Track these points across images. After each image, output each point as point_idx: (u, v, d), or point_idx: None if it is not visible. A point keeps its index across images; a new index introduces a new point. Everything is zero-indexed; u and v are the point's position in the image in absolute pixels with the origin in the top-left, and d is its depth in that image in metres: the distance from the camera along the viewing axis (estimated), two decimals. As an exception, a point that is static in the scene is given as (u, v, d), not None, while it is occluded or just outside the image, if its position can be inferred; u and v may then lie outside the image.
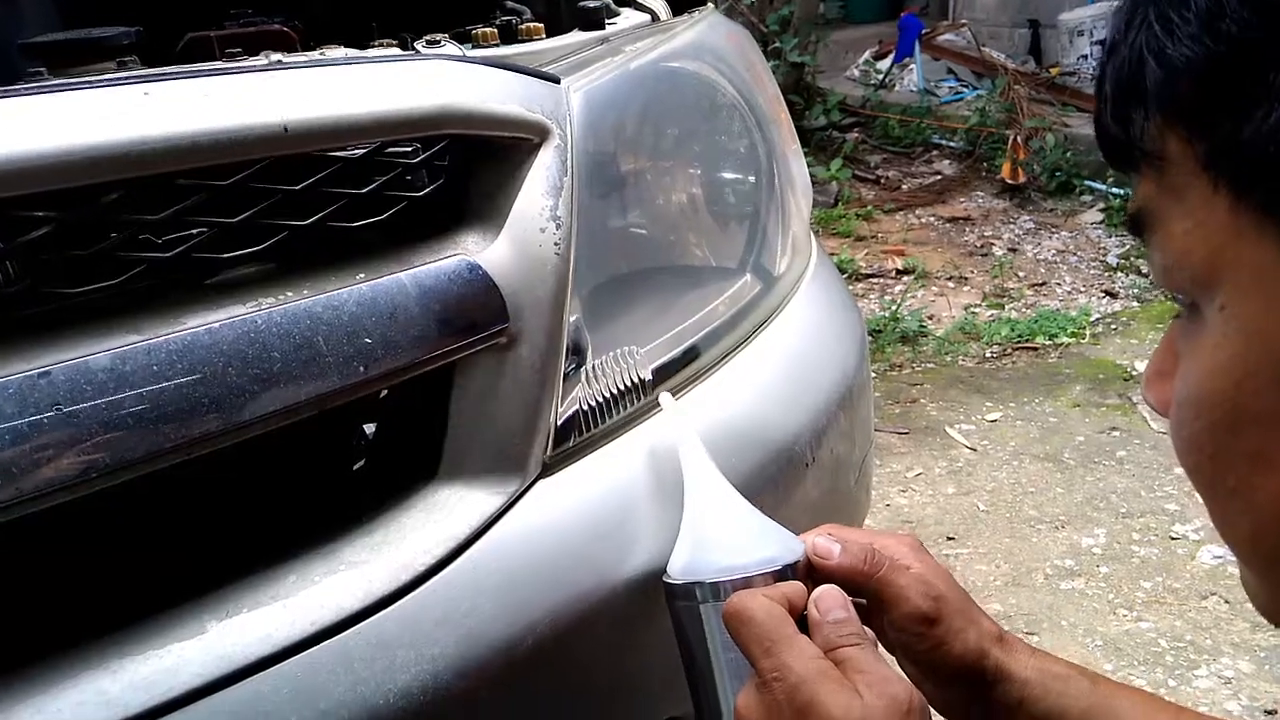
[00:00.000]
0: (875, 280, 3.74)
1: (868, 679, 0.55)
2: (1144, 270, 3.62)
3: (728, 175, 1.07)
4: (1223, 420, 0.41)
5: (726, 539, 0.67)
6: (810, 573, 0.66)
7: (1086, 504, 2.27)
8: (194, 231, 0.67)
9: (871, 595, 0.65)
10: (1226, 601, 1.92)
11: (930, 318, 3.34)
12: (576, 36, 1.03)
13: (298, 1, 1.35)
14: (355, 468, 0.80)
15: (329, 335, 0.67)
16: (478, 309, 0.74)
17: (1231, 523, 0.44)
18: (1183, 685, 1.72)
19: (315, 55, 0.82)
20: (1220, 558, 2.05)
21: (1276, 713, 1.64)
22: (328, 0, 1.40)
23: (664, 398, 0.81)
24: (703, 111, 1.05)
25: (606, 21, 1.07)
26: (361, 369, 0.68)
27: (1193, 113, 0.39)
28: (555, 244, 0.79)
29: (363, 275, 0.71)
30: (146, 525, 0.71)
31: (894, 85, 5.91)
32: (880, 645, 0.66)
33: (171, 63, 1.10)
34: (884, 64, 6.03)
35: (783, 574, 0.64)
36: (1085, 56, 5.45)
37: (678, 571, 0.67)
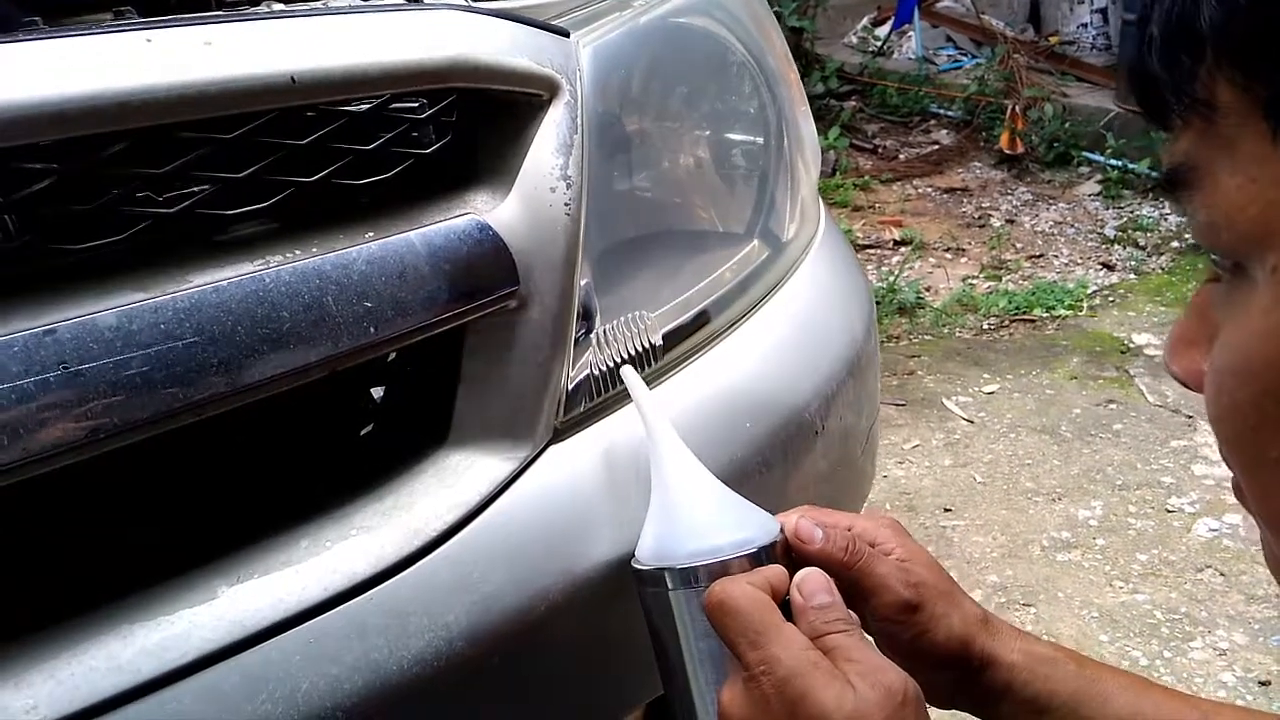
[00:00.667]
0: (873, 251, 3.73)
1: (860, 668, 0.53)
2: (1141, 243, 3.61)
3: (737, 136, 1.05)
4: (1273, 388, 0.40)
5: (697, 520, 0.62)
6: (789, 554, 0.63)
7: (1083, 476, 2.28)
8: (198, 188, 0.66)
9: (852, 584, 0.63)
10: (1222, 574, 1.93)
11: (928, 289, 3.33)
12: (584, -9, 1.00)
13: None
14: (364, 432, 0.79)
15: (338, 295, 0.65)
16: (488, 270, 0.73)
17: (1272, 495, 0.43)
18: (1178, 657, 1.74)
19: (319, 4, 0.79)
20: (1216, 530, 2.06)
21: (1270, 684, 1.66)
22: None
23: (626, 371, 0.76)
24: (712, 70, 1.03)
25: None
26: (371, 330, 0.66)
27: (1253, 55, 0.36)
28: (566, 204, 0.77)
29: (371, 234, 0.69)
30: (156, 490, 0.70)
31: (892, 52, 5.86)
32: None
33: (169, 14, 1.07)
34: (882, 30, 5.97)
35: (758, 556, 0.60)
36: (1085, 25, 5.40)
37: (646, 556, 0.63)
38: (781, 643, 0.53)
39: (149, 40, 0.60)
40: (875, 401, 1.13)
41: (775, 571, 0.59)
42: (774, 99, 1.06)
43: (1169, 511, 2.13)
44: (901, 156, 4.84)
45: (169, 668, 0.58)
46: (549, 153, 0.76)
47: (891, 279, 3.33)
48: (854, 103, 5.40)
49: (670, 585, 0.60)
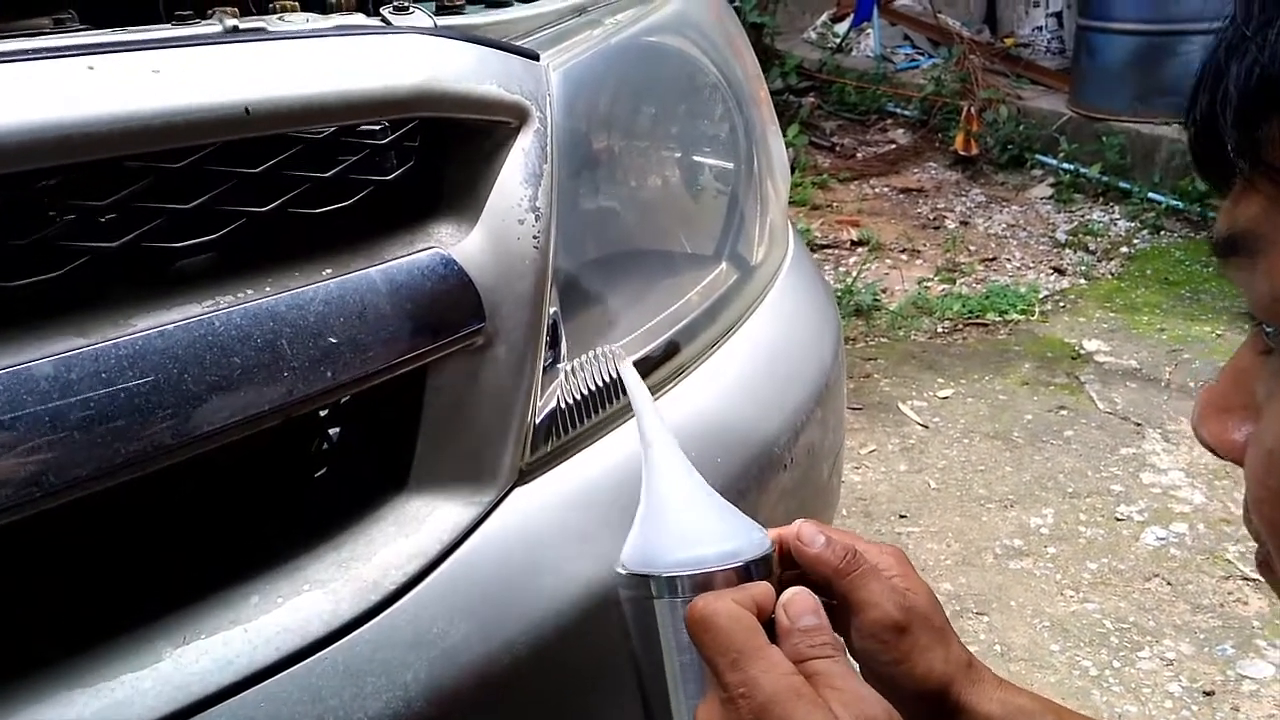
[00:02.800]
0: (830, 251, 3.74)
1: (843, 697, 0.50)
2: (1091, 248, 3.67)
3: (707, 158, 1.03)
4: None
5: (686, 528, 0.59)
6: (782, 562, 0.62)
7: (1035, 483, 2.31)
8: (145, 220, 0.62)
9: (844, 595, 0.61)
10: (1169, 584, 1.97)
11: (884, 291, 3.34)
12: (552, 4, 0.96)
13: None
14: (318, 475, 0.75)
15: (293, 338, 0.61)
16: (452, 307, 0.70)
17: None
18: (1127, 667, 1.77)
19: (274, 20, 0.75)
20: (1163, 539, 2.10)
21: (1214, 694, 1.69)
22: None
23: (624, 365, 0.71)
24: (683, 91, 1.00)
25: (583, -10, 1.02)
26: (329, 374, 0.63)
27: None
28: (534, 237, 0.74)
29: (329, 270, 0.65)
30: (96, 541, 0.66)
31: (851, 50, 5.88)
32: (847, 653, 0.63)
33: (112, 14, 1.02)
34: (841, 27, 5.99)
35: (746, 570, 0.57)
36: (1040, 28, 5.47)
37: (631, 561, 0.59)
38: (763, 665, 0.51)
39: (91, 68, 0.56)
40: (842, 423, 1.12)
41: (762, 590, 0.56)
42: (745, 120, 1.04)
43: (1118, 520, 2.17)
44: (859, 155, 4.86)
45: (109, 740, 0.55)
46: (517, 183, 0.73)
47: (849, 280, 3.34)
48: (812, 99, 5.41)
49: (654, 593, 0.57)
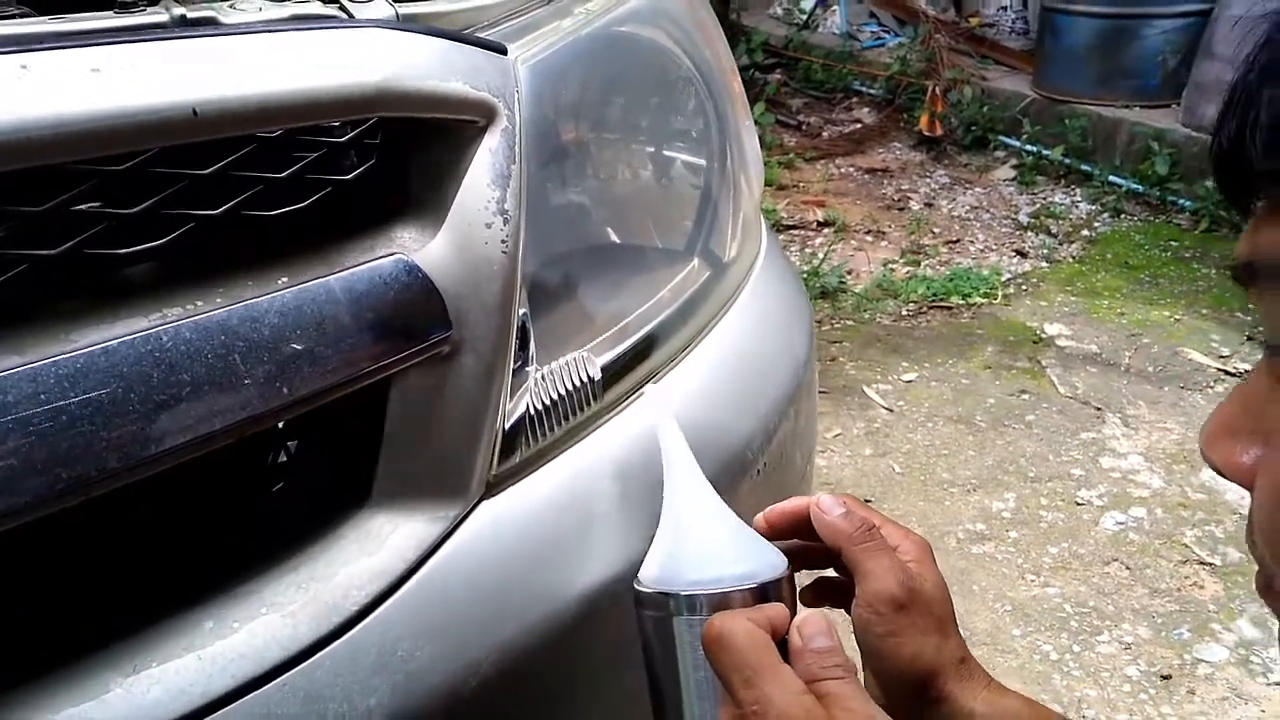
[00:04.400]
0: (796, 232, 3.73)
1: (854, 718, 0.52)
2: (1053, 230, 3.70)
3: (679, 154, 1.00)
4: None
5: (705, 548, 0.61)
6: (801, 532, 0.63)
7: (997, 468, 2.33)
8: (86, 225, 0.58)
9: (853, 563, 0.63)
10: (1128, 568, 2.00)
11: (849, 273, 3.35)
12: (520, -8, 0.93)
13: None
14: (274, 490, 0.72)
15: (247, 352, 0.58)
16: (416, 316, 0.67)
17: None
18: (1086, 651, 1.79)
19: (224, 7, 0.71)
20: (1122, 524, 2.13)
21: (1171, 678, 1.72)
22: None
23: (649, 388, 0.76)
24: (656, 83, 0.98)
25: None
26: (285, 390, 0.60)
27: None
28: (502, 241, 0.71)
29: (285, 279, 0.62)
30: (37, 566, 0.62)
31: (817, 27, 5.85)
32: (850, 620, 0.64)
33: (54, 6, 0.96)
34: (807, 3, 5.95)
35: (763, 592, 0.59)
36: (1005, 8, 5.48)
37: (650, 579, 0.61)
38: (776, 684, 0.52)
39: (24, 66, 0.52)
40: (814, 425, 1.11)
41: (777, 610, 0.58)
42: (718, 113, 1.01)
43: (1078, 504, 2.20)
44: (825, 134, 4.85)
45: (53, 781, 0.52)
46: (485, 184, 0.70)
47: (816, 263, 3.33)
48: (779, 76, 5.39)
49: (673, 610, 0.59)
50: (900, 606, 0.61)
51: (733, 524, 0.64)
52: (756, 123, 4.47)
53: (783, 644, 0.56)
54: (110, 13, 0.69)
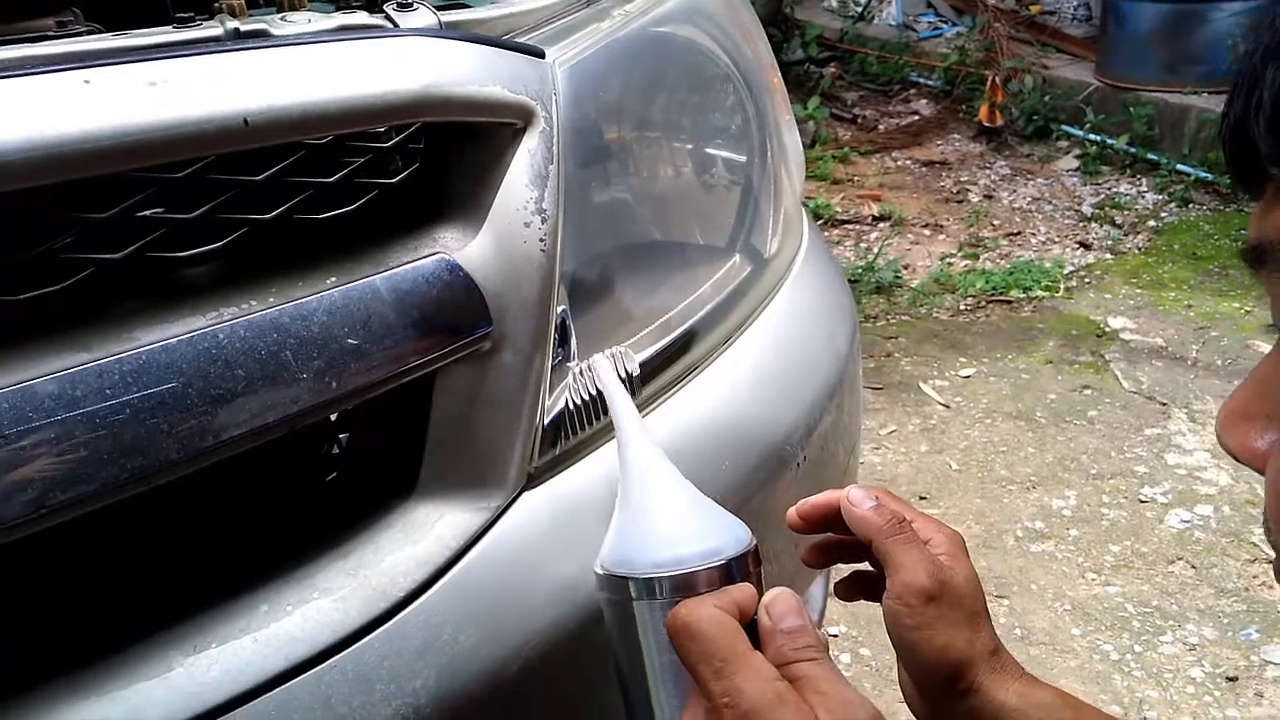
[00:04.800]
0: (851, 226, 3.70)
1: (828, 702, 0.50)
2: (1118, 221, 3.61)
3: (719, 151, 1.01)
4: None
5: (665, 526, 0.58)
6: (831, 526, 0.62)
7: (1057, 464, 2.29)
8: (147, 230, 0.61)
9: (883, 555, 0.62)
10: (1193, 567, 1.95)
11: (906, 267, 3.31)
12: (560, -4, 0.95)
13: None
14: (326, 480, 0.76)
15: (298, 349, 0.61)
16: (458, 313, 0.69)
17: None
18: (1148, 651, 1.75)
19: (276, 20, 0.74)
20: (1187, 522, 2.07)
21: (1238, 679, 1.68)
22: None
23: (597, 360, 0.71)
24: (694, 81, 0.99)
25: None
26: (333, 385, 0.62)
27: None
28: (541, 239, 0.73)
29: (333, 279, 0.65)
30: (108, 552, 0.66)
31: (873, 18, 5.78)
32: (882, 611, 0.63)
33: (117, 13, 1.01)
34: (863, -4, 5.88)
35: (727, 569, 0.56)
36: (1067, -5, 5.35)
37: (609, 561, 0.58)
38: (747, 673, 0.50)
39: (87, 81, 0.55)
40: (858, 420, 1.11)
41: (743, 592, 0.56)
42: (757, 110, 1.02)
43: (1142, 502, 2.15)
44: (881, 127, 4.80)
45: (121, 751, 0.55)
46: (523, 185, 0.72)
47: (872, 257, 3.30)
48: (833, 69, 5.34)
49: (634, 595, 0.56)
50: (930, 598, 0.61)
51: (691, 497, 0.60)
52: (811, 117, 4.46)
53: (751, 625, 0.54)
54: (169, 28, 0.73)
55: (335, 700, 0.61)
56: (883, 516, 0.64)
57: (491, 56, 0.72)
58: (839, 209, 3.82)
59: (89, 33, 0.80)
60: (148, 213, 0.62)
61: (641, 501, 0.60)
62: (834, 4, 6.03)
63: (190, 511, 0.69)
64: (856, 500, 0.65)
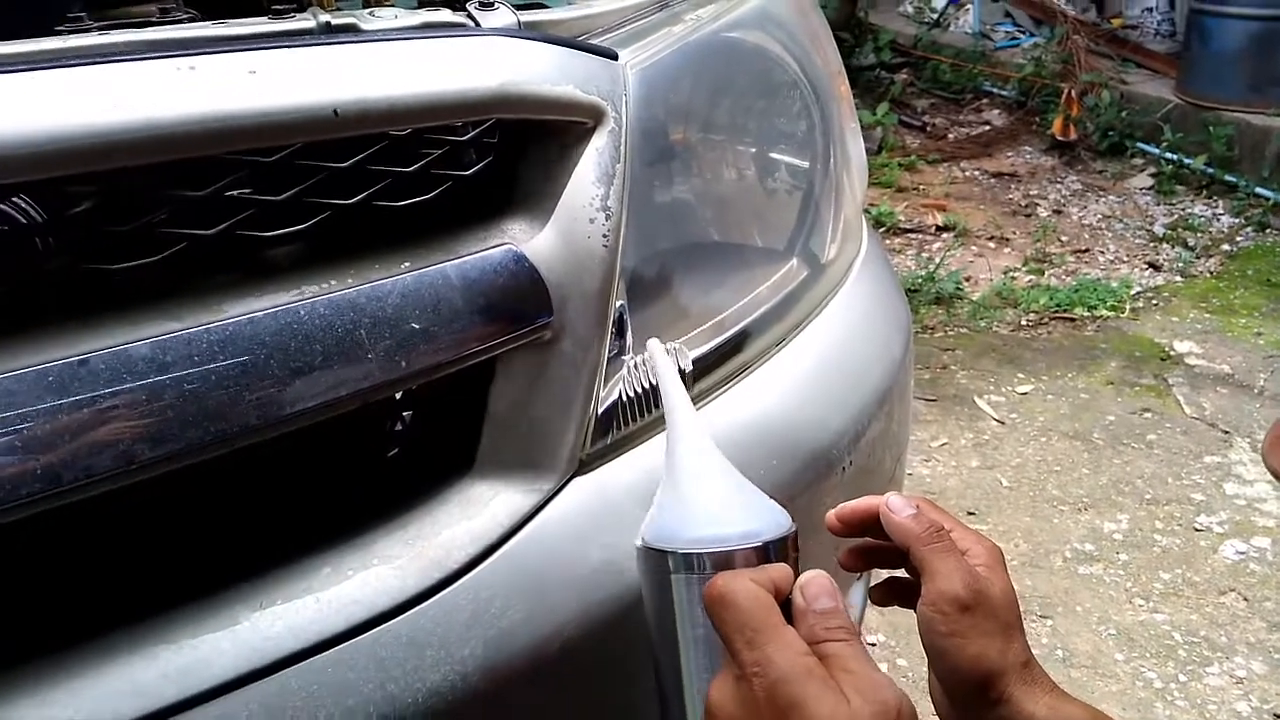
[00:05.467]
0: (913, 236, 3.67)
1: (856, 681, 0.51)
2: (1190, 243, 3.52)
3: (783, 156, 1.03)
4: None
5: (708, 505, 0.61)
6: (870, 531, 0.63)
7: (1111, 487, 2.25)
8: (237, 210, 0.65)
9: (920, 562, 0.63)
10: (1245, 599, 1.91)
11: (968, 279, 3.27)
12: (635, -3, 0.97)
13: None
14: (389, 454, 0.79)
15: (372, 328, 0.65)
16: (522, 302, 0.72)
17: None
18: (1193, 682, 1.72)
19: (364, 16, 0.78)
20: (1243, 553, 2.03)
21: (1286, 716, 1.65)
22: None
23: (652, 343, 0.73)
24: (762, 87, 1.01)
25: (667, -19, 1.02)
26: (402, 364, 0.66)
27: None
28: (604, 235, 0.76)
29: (407, 264, 0.68)
30: (181, 511, 0.70)
31: (948, 25, 5.71)
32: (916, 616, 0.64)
33: (211, 3, 1.06)
34: (939, 1, 5.81)
35: (765, 551, 0.58)
36: (1150, 9, 5.22)
37: (650, 536, 0.61)
38: (778, 644, 0.52)
39: (192, 68, 0.59)
40: (906, 429, 1.12)
41: (780, 571, 0.57)
42: (823, 117, 1.03)
43: (1197, 530, 2.11)
44: (950, 136, 4.74)
45: (189, 693, 0.59)
46: (590, 182, 0.75)
47: (933, 268, 3.28)
48: (905, 75, 5.29)
49: (672, 568, 0.58)
50: (965, 608, 0.62)
51: (736, 481, 0.62)
52: (879, 123, 4.43)
53: (785, 605, 0.55)
54: (265, 19, 0.77)
55: (389, 662, 0.64)
56: (921, 524, 0.64)
57: (566, 57, 0.75)
58: (902, 217, 3.79)
59: (189, 19, 0.85)
60: (237, 193, 0.66)
61: (686, 481, 0.62)
62: (909, 10, 5.97)
63: (261, 475, 0.73)
64: (896, 507, 0.65)
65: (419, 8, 1.05)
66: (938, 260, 3.37)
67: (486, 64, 0.69)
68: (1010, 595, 0.66)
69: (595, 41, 0.84)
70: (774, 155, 1.03)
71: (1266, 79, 3.89)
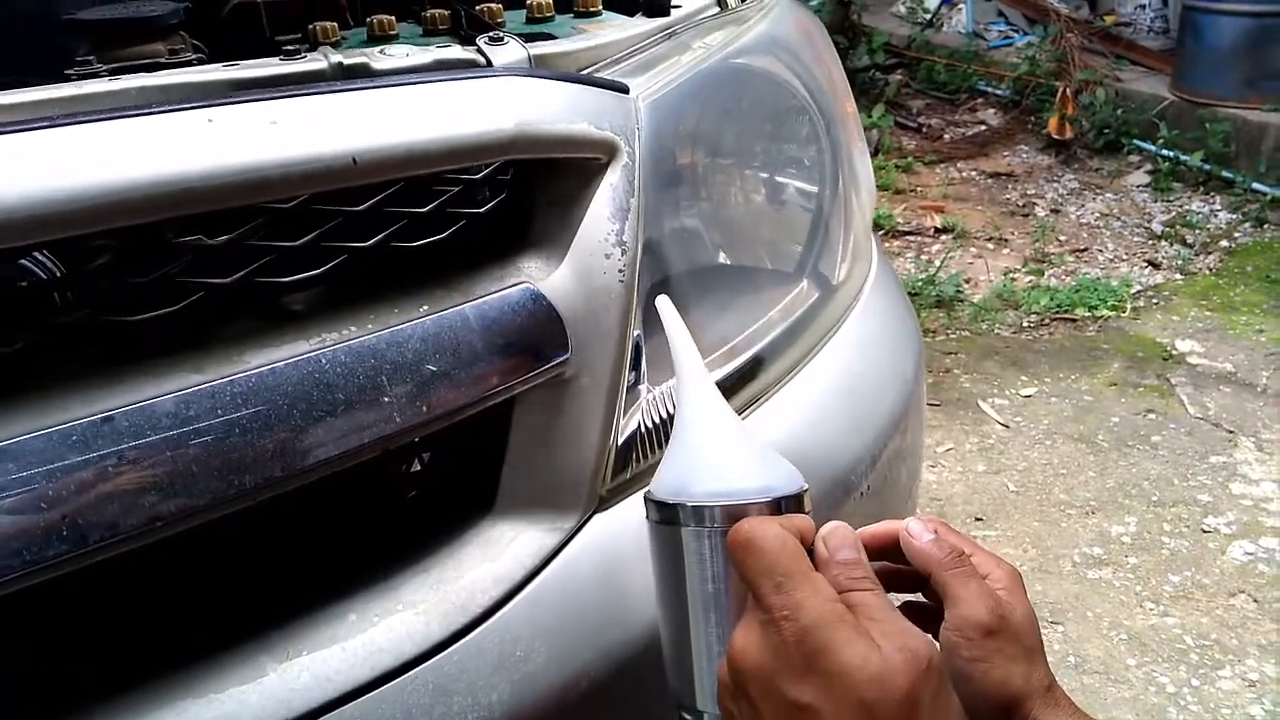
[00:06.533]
0: (912, 238, 3.67)
1: (884, 629, 0.51)
2: (1189, 240, 3.53)
3: (791, 181, 1.03)
4: None
5: (720, 460, 0.60)
6: (888, 555, 0.62)
7: (1118, 490, 2.25)
8: (256, 256, 0.65)
9: (942, 588, 0.62)
10: (1255, 600, 1.91)
11: (968, 281, 3.28)
12: (641, 25, 0.97)
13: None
14: (410, 496, 0.79)
15: (392, 374, 0.65)
16: (540, 340, 0.72)
17: None
18: (1206, 686, 1.73)
19: (375, 54, 0.78)
20: (1251, 554, 2.03)
21: (1299, 719, 1.65)
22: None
23: (661, 301, 0.70)
24: (770, 112, 1.01)
25: (671, 5, 1.02)
26: (424, 409, 0.66)
27: None
28: (620, 270, 0.76)
29: (426, 307, 0.68)
30: (204, 561, 0.70)
31: (941, 25, 5.71)
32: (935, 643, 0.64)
33: (217, 33, 1.06)
34: (932, 2, 5.82)
35: (778, 505, 0.57)
36: (1143, 6, 5.23)
37: (662, 490, 0.60)
38: (808, 589, 0.51)
39: (210, 120, 0.59)
40: (920, 447, 1.12)
41: (804, 520, 0.57)
42: (830, 138, 1.03)
43: (1204, 532, 2.11)
44: (946, 136, 4.74)
45: (219, 748, 0.59)
46: (605, 218, 0.75)
47: (933, 271, 3.28)
48: (900, 76, 5.29)
49: (683, 521, 0.58)
50: (989, 632, 0.61)
51: (748, 437, 0.62)
52: (875, 125, 4.43)
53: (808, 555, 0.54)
54: (276, 59, 0.77)
55: (416, 711, 0.64)
56: (942, 549, 0.64)
57: (579, 94, 0.74)
58: (900, 220, 3.79)
59: (199, 60, 0.84)
60: (256, 241, 0.66)
61: (698, 437, 0.61)
62: (902, 10, 5.97)
63: (283, 521, 0.73)
64: (916, 532, 0.65)
65: (423, 35, 1.06)
66: (938, 263, 3.37)
67: (501, 106, 0.69)
68: (1031, 619, 0.66)
69: (605, 74, 0.84)
70: (783, 179, 1.03)
71: (1261, 74, 3.90)
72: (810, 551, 0.55)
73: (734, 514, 0.56)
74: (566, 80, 0.75)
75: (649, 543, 0.61)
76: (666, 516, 0.59)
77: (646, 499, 0.61)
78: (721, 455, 0.60)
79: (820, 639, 0.50)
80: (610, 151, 0.76)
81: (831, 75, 1.08)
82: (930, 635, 0.67)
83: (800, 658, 0.50)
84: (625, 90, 0.80)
